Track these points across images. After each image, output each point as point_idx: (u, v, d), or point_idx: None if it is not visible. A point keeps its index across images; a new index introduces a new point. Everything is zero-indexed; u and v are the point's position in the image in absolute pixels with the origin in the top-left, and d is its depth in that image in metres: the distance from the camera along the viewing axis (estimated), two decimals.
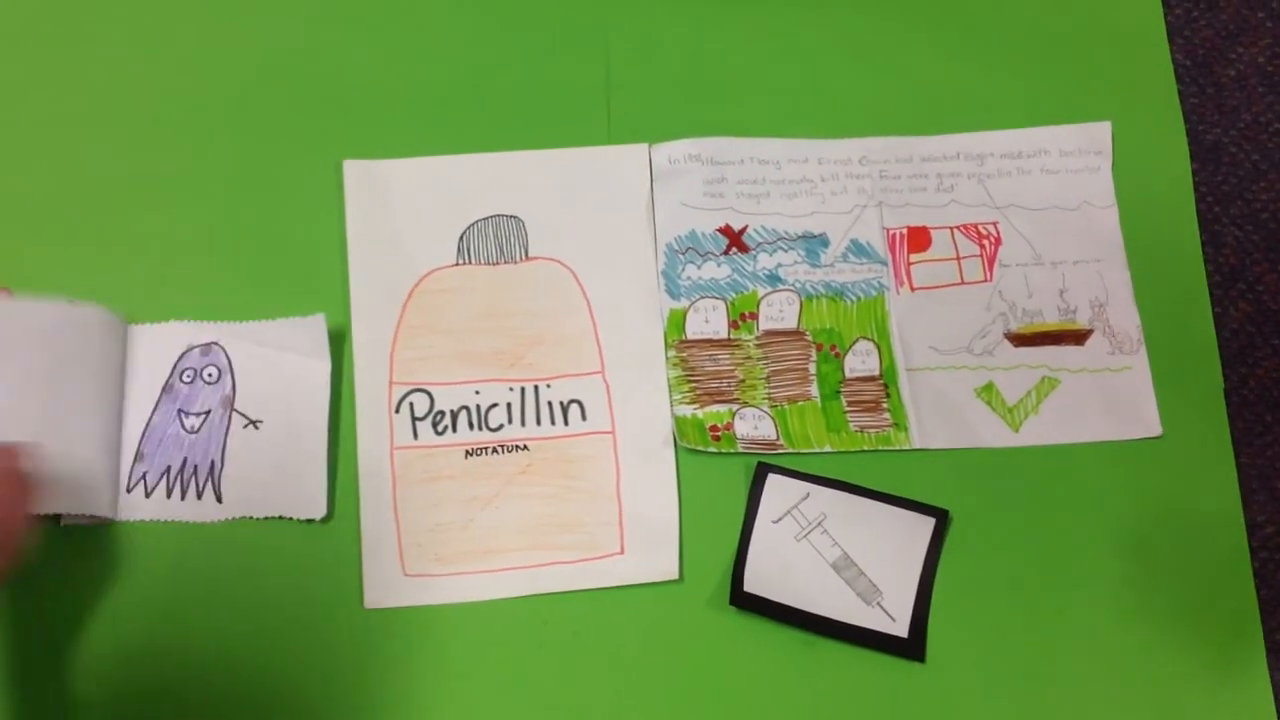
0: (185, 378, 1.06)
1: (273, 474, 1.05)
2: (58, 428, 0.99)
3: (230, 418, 1.05)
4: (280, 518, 1.04)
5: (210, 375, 1.07)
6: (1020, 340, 1.14)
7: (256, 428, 1.05)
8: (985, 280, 1.16)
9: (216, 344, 1.07)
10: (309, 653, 1.03)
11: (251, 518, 1.04)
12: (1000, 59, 1.23)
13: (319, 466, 1.05)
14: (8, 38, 1.18)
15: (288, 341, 1.07)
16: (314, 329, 1.08)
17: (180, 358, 1.07)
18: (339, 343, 1.10)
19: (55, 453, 0.97)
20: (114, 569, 1.03)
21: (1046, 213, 1.18)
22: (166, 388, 1.06)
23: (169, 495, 1.03)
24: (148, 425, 1.05)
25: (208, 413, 1.06)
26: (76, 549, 1.03)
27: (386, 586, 1.04)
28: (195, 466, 1.04)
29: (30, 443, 0.94)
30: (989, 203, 1.18)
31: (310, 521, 1.04)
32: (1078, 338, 1.14)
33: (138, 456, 1.04)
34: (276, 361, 1.07)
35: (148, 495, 1.03)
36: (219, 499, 1.03)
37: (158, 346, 1.08)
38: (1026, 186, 1.19)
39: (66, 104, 1.16)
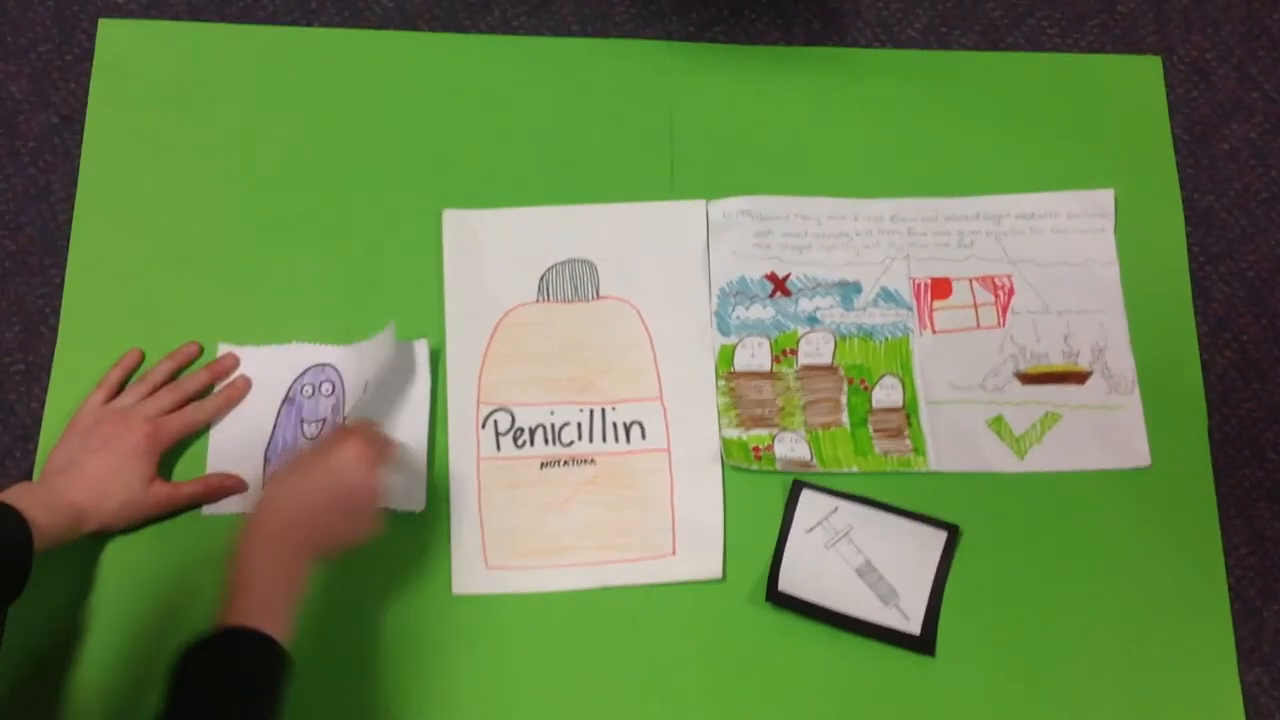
0: (305, 392, 1.21)
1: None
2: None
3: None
4: (385, 510, 1.16)
5: (326, 390, 1.21)
6: (1028, 379, 1.26)
7: None
8: (999, 326, 1.28)
9: (331, 364, 1.22)
10: (406, 628, 1.16)
11: None
12: (1018, 131, 1.34)
13: (419, 468, 1.19)
14: (164, 112, 1.31)
15: (394, 361, 1.19)
16: (417, 351, 1.22)
17: (300, 375, 1.21)
18: (435, 365, 1.23)
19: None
20: None
21: (1055, 268, 1.30)
22: (288, 399, 1.21)
23: None
24: (274, 432, 1.20)
25: (323, 421, 1.20)
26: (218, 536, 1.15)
27: (471, 576, 1.18)
28: None
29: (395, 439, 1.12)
30: (1004, 258, 1.30)
31: (409, 514, 1.17)
32: (1079, 378, 1.26)
33: (266, 459, 1.19)
34: (383, 379, 1.19)
35: None
36: None
37: (281, 364, 1.22)
38: (1038, 244, 1.30)
39: (214, 164, 1.29)
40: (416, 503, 1.18)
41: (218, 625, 0.94)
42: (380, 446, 1.08)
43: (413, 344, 1.22)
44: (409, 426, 1.20)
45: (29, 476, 1.18)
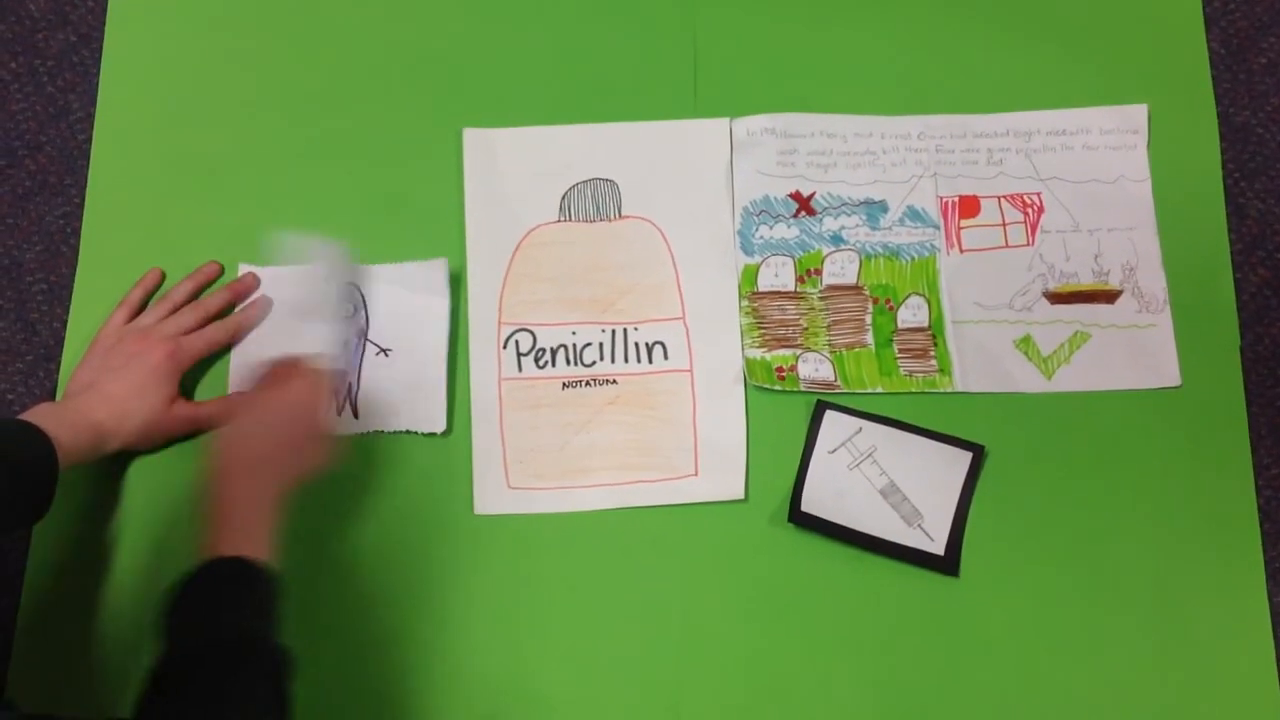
0: None
1: (401, 395, 1.19)
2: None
3: (364, 347, 1.20)
4: (407, 432, 1.18)
5: (347, 311, 1.21)
6: (1057, 298, 1.24)
7: (387, 355, 1.20)
8: (1028, 244, 1.26)
9: (353, 284, 1.21)
10: (428, 549, 1.16)
11: (383, 431, 1.18)
12: (1048, 45, 1.31)
13: (440, 388, 1.19)
14: (182, 30, 1.31)
15: (413, 281, 1.20)
16: (436, 270, 1.21)
17: None
18: (456, 285, 1.22)
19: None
20: None
21: (1086, 185, 1.27)
22: None
23: None
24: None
25: (345, 342, 1.20)
26: None
27: (493, 496, 1.18)
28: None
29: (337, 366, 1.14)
30: (1034, 175, 1.28)
31: (432, 436, 1.18)
32: (1109, 297, 1.24)
33: None
34: (404, 299, 1.20)
35: None
36: (355, 415, 1.18)
37: (302, 285, 1.20)
38: (1068, 161, 1.28)
39: (234, 83, 1.29)
40: (438, 424, 1.18)
41: (204, 558, 0.95)
42: (326, 380, 1.11)
43: (432, 262, 1.22)
44: (429, 347, 1.20)
45: (52, 396, 1.19)
